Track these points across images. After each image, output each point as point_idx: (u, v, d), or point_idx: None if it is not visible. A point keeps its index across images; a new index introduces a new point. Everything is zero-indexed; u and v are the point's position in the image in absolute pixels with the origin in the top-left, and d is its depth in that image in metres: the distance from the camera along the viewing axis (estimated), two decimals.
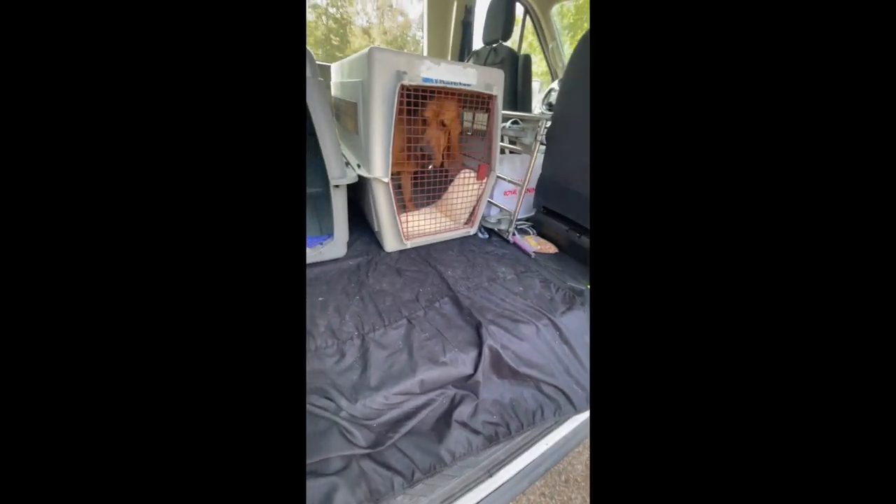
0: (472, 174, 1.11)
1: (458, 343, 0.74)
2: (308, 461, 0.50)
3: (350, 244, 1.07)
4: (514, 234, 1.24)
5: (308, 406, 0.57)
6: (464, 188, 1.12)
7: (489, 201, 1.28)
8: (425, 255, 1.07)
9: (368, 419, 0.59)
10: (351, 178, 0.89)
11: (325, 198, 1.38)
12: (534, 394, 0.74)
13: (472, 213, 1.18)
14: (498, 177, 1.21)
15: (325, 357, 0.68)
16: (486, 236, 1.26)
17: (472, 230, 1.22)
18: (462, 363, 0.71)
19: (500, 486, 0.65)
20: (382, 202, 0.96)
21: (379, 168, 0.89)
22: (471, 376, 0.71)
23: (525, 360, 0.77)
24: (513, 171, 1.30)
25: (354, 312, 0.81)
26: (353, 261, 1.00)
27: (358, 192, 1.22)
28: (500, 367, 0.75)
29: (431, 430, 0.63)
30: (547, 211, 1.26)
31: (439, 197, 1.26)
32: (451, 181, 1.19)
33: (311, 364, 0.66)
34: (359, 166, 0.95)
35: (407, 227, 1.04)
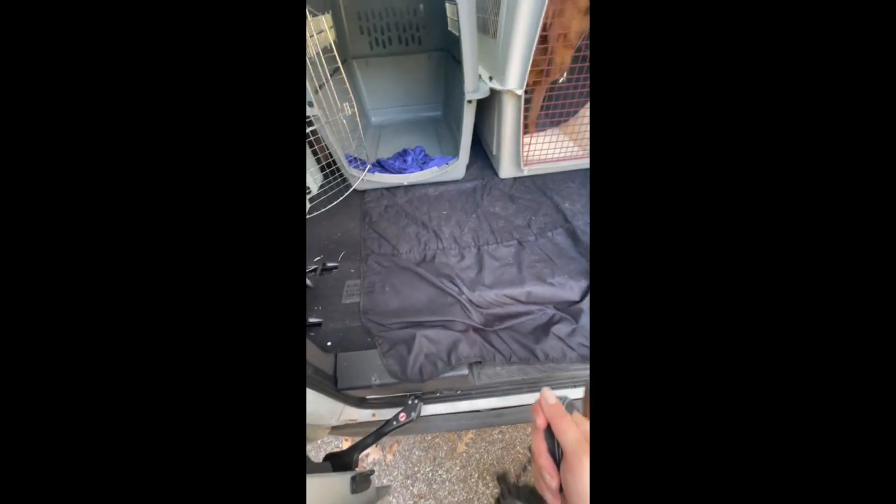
0: None
1: (568, 271, 0.75)
2: (441, 318, 0.67)
3: (466, 167, 1.11)
4: None
5: (439, 284, 0.73)
6: None
7: None
8: (541, 185, 1.03)
9: (481, 307, 0.71)
10: (483, 92, 0.87)
11: (444, 121, 1.43)
12: None
13: None
14: None
15: (449, 255, 0.82)
16: None
17: None
18: (570, 289, 0.73)
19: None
20: (509, 120, 0.92)
21: (514, 78, 0.83)
22: (575, 303, 0.73)
23: None
24: None
25: (471, 228, 0.90)
26: (470, 183, 1.06)
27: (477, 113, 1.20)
28: None
29: (530, 332, 0.72)
30: None
31: (566, 120, 1.10)
32: (586, 100, 1.01)
33: (439, 258, 0.81)
34: (490, 78, 0.90)
35: (528, 151, 0.99)
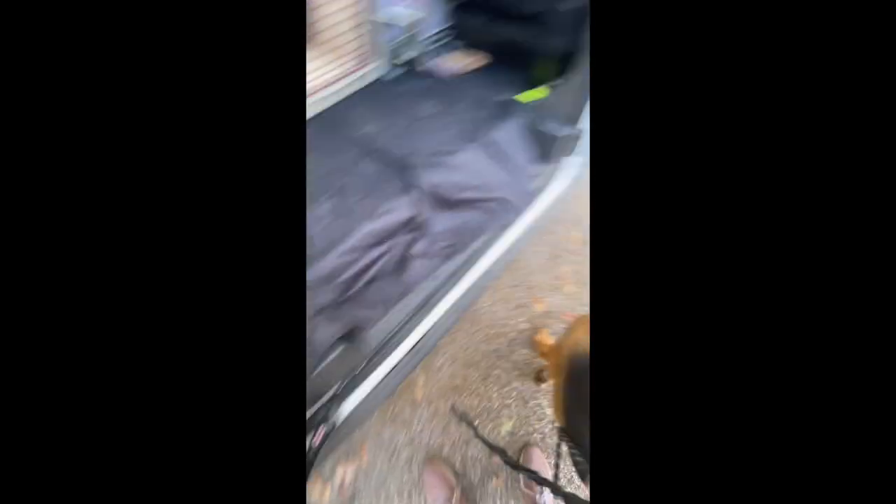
0: None
1: (393, 193, 0.71)
2: None
3: None
4: (429, 59, 1.00)
5: None
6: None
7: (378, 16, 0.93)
8: (329, 124, 0.88)
9: (326, 283, 0.62)
10: None
11: None
12: (473, 214, 0.79)
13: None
14: None
15: None
16: (400, 71, 1.01)
17: (374, 67, 0.96)
18: (405, 207, 0.70)
19: (470, 287, 0.78)
20: None
21: None
22: (414, 217, 0.72)
23: (462, 186, 0.77)
24: None
25: None
26: None
27: None
28: (441, 201, 0.75)
29: (393, 271, 0.68)
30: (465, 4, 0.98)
31: None
32: None
33: None
34: None
35: None
